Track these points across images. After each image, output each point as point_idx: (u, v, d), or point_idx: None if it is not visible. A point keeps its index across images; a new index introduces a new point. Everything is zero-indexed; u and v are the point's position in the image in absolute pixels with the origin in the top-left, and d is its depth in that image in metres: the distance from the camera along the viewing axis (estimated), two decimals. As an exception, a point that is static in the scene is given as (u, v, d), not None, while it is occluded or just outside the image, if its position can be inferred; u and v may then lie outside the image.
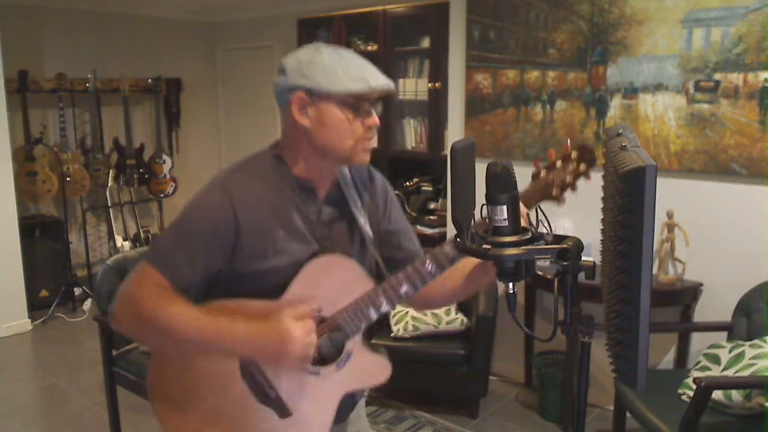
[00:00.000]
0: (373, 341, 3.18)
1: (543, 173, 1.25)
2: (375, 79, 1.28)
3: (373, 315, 1.31)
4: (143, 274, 1.30)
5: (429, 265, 1.28)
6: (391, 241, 1.50)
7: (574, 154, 1.23)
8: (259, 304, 1.31)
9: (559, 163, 1.24)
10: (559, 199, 1.25)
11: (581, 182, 1.25)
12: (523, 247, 1.08)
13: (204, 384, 1.35)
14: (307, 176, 1.36)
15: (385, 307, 1.31)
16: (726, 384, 2.29)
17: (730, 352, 2.45)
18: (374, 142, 1.35)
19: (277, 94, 1.32)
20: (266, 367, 1.32)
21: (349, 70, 1.27)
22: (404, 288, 1.30)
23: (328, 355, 1.35)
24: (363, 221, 1.42)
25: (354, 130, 1.29)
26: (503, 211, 1.08)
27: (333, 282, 1.33)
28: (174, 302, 1.26)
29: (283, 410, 1.33)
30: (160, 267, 1.29)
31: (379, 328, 3.28)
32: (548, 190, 1.25)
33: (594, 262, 1.16)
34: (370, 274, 1.40)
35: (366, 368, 1.37)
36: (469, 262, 1.34)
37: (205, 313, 1.27)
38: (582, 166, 1.23)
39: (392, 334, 3.20)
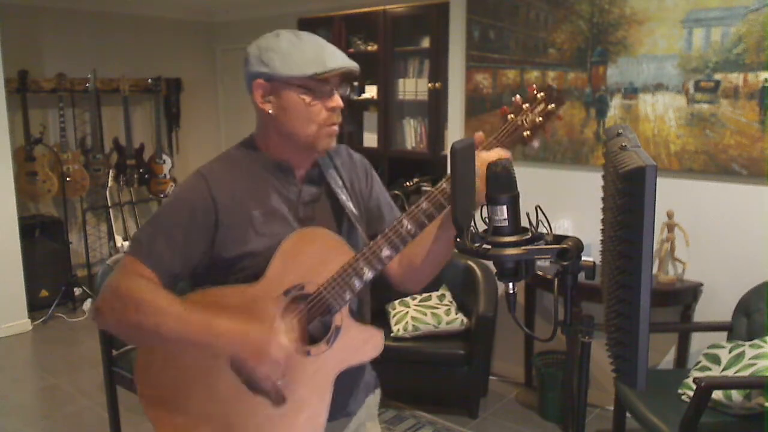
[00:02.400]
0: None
1: (511, 116, 1.24)
2: (332, 60, 1.26)
3: (357, 284, 1.28)
4: (126, 267, 1.29)
5: (408, 224, 1.26)
6: (375, 216, 1.48)
7: (540, 95, 1.22)
8: (239, 288, 1.30)
9: (526, 106, 1.23)
10: (531, 140, 1.24)
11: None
12: (523, 247, 1.08)
13: (192, 377, 1.32)
14: (281, 156, 1.36)
15: (368, 275, 1.28)
16: (726, 384, 2.29)
17: (730, 352, 2.45)
18: (337, 127, 1.33)
19: (246, 83, 1.34)
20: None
21: (304, 52, 1.26)
22: (385, 251, 1.26)
23: (317, 335, 1.32)
24: (345, 198, 1.40)
25: (315, 114, 1.28)
26: (503, 211, 1.08)
27: (312, 255, 1.29)
28: (158, 295, 1.25)
29: (276, 397, 1.29)
30: (142, 257, 1.28)
31: (379, 328, 3.28)
32: (519, 133, 1.23)
33: (594, 262, 1.15)
34: (358, 252, 1.35)
35: (357, 342, 1.33)
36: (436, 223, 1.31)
37: (189, 308, 1.25)
38: (551, 106, 1.22)
39: (392, 334, 3.20)
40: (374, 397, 1.55)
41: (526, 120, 1.23)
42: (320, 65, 1.24)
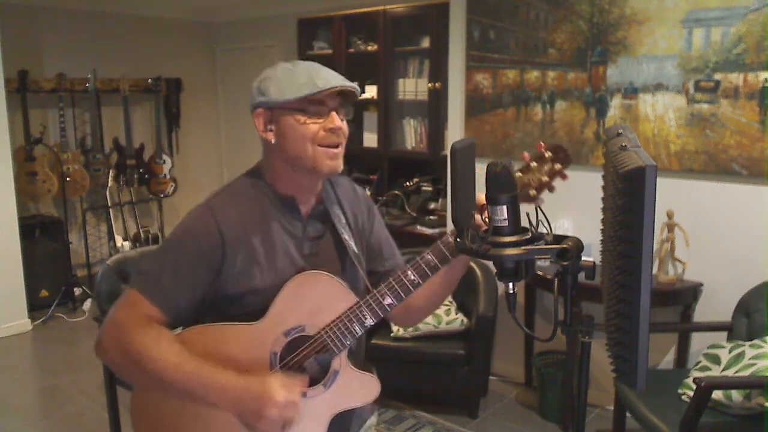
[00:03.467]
0: (372, 341, 3.19)
1: (519, 175, 1.23)
2: (323, 81, 1.27)
3: (358, 330, 1.30)
4: (130, 302, 1.28)
5: (411, 275, 1.28)
6: (374, 252, 1.49)
7: (548, 154, 1.22)
8: (239, 327, 1.30)
9: (534, 164, 1.23)
10: (536, 200, 1.23)
11: (559, 182, 1.24)
12: (523, 247, 1.08)
13: (188, 409, 1.32)
14: (288, 192, 1.36)
15: (369, 321, 1.30)
16: (726, 384, 2.29)
17: (730, 352, 2.45)
18: (340, 149, 1.33)
19: (252, 117, 1.35)
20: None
21: (297, 77, 1.28)
22: (388, 300, 1.29)
23: (315, 376, 1.33)
24: (348, 237, 1.40)
25: (311, 133, 1.29)
26: (503, 211, 1.08)
27: (315, 298, 1.31)
28: (160, 340, 1.25)
29: None
30: (147, 293, 1.27)
31: (379, 328, 3.28)
32: (525, 192, 1.23)
33: (594, 262, 1.15)
34: (358, 292, 1.38)
35: (354, 386, 1.34)
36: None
37: (190, 359, 1.24)
38: (557, 166, 1.22)
39: (392, 334, 3.21)
40: (373, 418, 1.56)
41: (533, 179, 1.23)
42: (312, 86, 1.26)
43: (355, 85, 1.31)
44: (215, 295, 1.32)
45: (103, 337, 1.29)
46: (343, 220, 1.42)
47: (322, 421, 1.33)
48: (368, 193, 4.48)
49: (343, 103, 1.33)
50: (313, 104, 1.28)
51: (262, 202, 1.35)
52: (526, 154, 1.24)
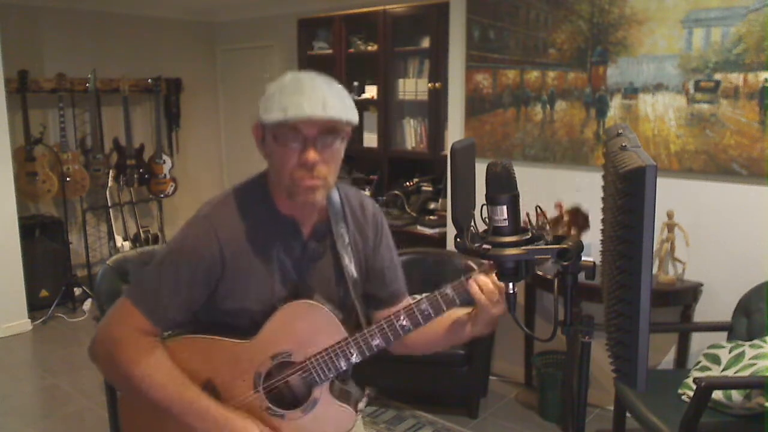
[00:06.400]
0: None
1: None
2: (296, 108, 1.16)
3: (343, 365, 1.31)
4: (124, 313, 1.28)
5: (404, 320, 1.27)
6: (376, 278, 1.45)
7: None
8: (229, 343, 1.31)
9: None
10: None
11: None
12: (523, 247, 1.08)
13: (171, 418, 1.34)
14: (289, 211, 1.33)
15: (355, 358, 1.30)
16: (726, 384, 2.29)
17: (730, 352, 2.45)
18: (319, 182, 1.23)
19: None
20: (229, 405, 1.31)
21: (281, 98, 1.19)
22: (376, 341, 1.29)
23: (299, 396, 1.35)
24: (348, 260, 1.38)
25: (285, 163, 1.22)
26: (503, 212, 1.08)
27: (307, 328, 1.31)
28: (150, 357, 1.26)
29: None
30: (142, 307, 1.27)
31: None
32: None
33: (594, 262, 1.15)
34: (349, 317, 1.37)
35: (330, 417, 1.36)
36: (450, 315, 1.33)
37: (177, 379, 1.27)
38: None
39: (392, 334, 3.20)
40: (362, 404, 1.55)
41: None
42: (282, 113, 1.17)
43: (337, 114, 1.18)
44: (210, 307, 1.32)
45: (96, 348, 1.31)
46: (346, 241, 1.37)
47: None
48: (368, 193, 4.40)
49: (331, 129, 1.20)
50: (289, 131, 1.19)
51: (264, 220, 1.32)
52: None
